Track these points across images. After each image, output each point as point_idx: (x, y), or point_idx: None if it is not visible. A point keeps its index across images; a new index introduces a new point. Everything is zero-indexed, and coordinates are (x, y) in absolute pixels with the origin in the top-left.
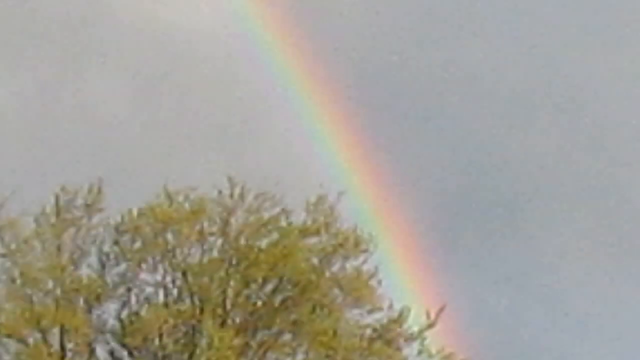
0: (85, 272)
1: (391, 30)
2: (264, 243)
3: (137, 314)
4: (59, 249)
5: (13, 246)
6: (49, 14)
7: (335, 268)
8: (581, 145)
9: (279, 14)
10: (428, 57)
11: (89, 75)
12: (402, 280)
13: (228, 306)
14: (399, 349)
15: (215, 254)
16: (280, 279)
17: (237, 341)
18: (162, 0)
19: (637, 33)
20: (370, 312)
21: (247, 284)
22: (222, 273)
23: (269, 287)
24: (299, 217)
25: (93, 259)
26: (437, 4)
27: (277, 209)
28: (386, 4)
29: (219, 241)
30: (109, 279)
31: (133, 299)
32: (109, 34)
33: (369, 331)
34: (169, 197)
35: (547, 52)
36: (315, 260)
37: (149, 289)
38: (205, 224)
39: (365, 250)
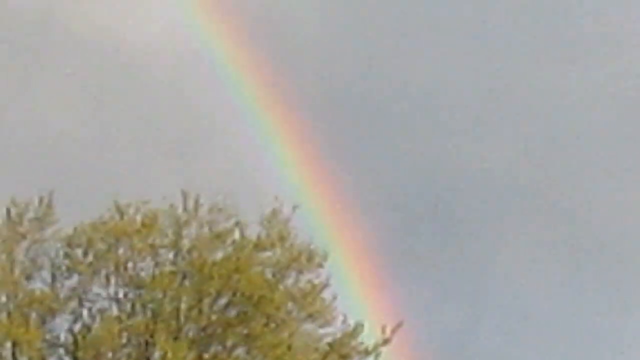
0: (38, 285)
1: (347, 45)
2: (217, 256)
3: (89, 328)
4: (11, 262)
5: None
6: None
7: (290, 282)
8: (533, 156)
9: (233, 28)
10: (382, 74)
11: (39, 87)
12: (357, 295)
13: (182, 320)
14: None
15: (168, 267)
16: (234, 293)
17: (190, 355)
18: (115, 13)
19: (588, 44)
20: (323, 326)
21: (200, 298)
22: (175, 286)
23: (223, 301)
24: (253, 231)
25: (46, 273)
26: (393, 19)
27: (231, 222)
28: (339, 16)
29: (172, 254)
30: (61, 293)
31: (85, 313)
32: (61, 45)
33: (323, 345)
34: (120, 210)
35: (499, 64)
36: (269, 274)
37: (102, 303)
38: (158, 237)
39: (319, 265)
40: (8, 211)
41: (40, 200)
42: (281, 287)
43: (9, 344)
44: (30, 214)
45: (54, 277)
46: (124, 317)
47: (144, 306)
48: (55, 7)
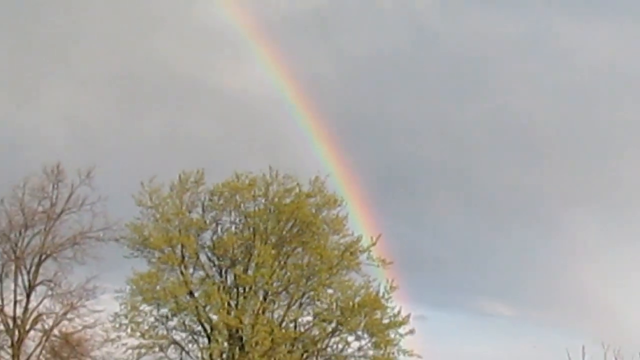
0: (195, 216)
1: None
2: (287, 201)
3: (221, 237)
4: (181, 203)
5: (157, 202)
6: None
7: (324, 214)
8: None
9: (294, 82)
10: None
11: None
12: (358, 220)
13: (268, 233)
14: (357, 256)
15: (261, 206)
16: (296, 219)
17: (272, 252)
18: (238, 74)
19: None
20: (342, 237)
21: (279, 221)
22: (265, 216)
23: (290, 224)
24: (306, 187)
25: (199, 209)
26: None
27: (294, 183)
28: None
29: (263, 200)
30: (207, 219)
31: (219, 230)
32: (203, 96)
33: (341, 247)
34: (237, 176)
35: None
36: (313, 210)
37: (227, 225)
38: (256, 191)
39: (339, 204)
40: (180, 177)
41: (197, 172)
42: (320, 217)
43: (179, 246)
44: (191, 178)
45: (203, 211)
46: (238, 231)
47: (249, 227)
48: (199, 74)
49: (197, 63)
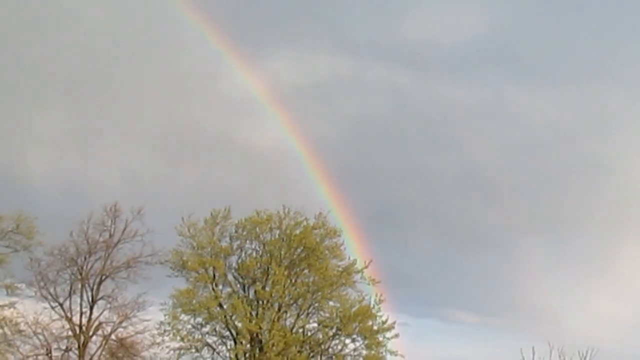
0: (224, 244)
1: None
2: (297, 232)
3: (244, 261)
4: (212, 234)
5: (194, 233)
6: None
7: (326, 242)
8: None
9: (304, 138)
10: (363, 164)
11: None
12: (354, 247)
13: (282, 258)
14: (352, 276)
15: (276, 236)
16: (304, 246)
17: (285, 272)
18: (261, 130)
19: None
20: (340, 261)
21: (290, 249)
22: (279, 244)
23: (299, 250)
24: (312, 221)
25: (227, 239)
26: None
27: (303, 218)
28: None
29: (278, 231)
30: (233, 246)
31: (243, 255)
32: (231, 151)
33: (340, 269)
34: (257, 212)
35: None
36: (317, 238)
37: (249, 251)
38: (272, 224)
39: (338, 235)
40: (211, 213)
41: (225, 209)
42: (323, 244)
43: (211, 268)
44: (220, 215)
45: (230, 240)
46: (258, 257)
47: (266, 252)
48: (229, 130)
49: (225, 124)
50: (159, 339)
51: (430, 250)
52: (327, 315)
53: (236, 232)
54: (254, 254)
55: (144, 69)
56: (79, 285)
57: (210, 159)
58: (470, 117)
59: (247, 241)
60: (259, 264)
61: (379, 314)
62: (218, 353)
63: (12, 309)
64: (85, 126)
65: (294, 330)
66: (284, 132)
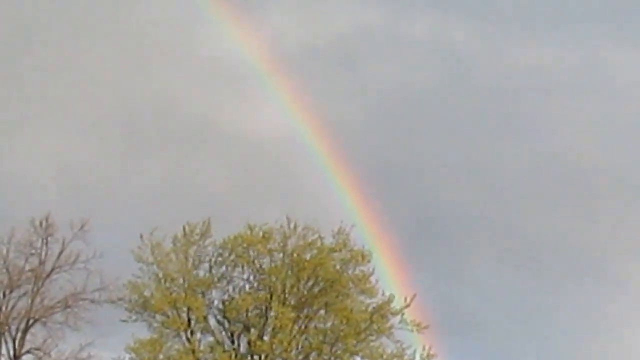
0: (202, 272)
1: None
2: (308, 256)
3: (233, 298)
4: (186, 259)
5: (159, 258)
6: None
7: (350, 271)
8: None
9: (312, 122)
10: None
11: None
12: (390, 277)
13: (287, 294)
14: (388, 320)
15: (278, 262)
16: (317, 278)
17: (292, 315)
18: (249, 117)
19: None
20: (370, 297)
21: (298, 280)
22: (283, 274)
23: (311, 283)
24: (328, 240)
25: (206, 265)
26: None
27: (315, 236)
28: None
29: (280, 254)
30: (215, 277)
31: (230, 289)
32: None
33: (370, 309)
34: (250, 228)
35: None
36: (338, 267)
37: (240, 283)
38: (272, 244)
39: (367, 261)
40: (184, 229)
41: (203, 223)
42: (345, 274)
43: (184, 308)
44: (197, 230)
45: (211, 267)
46: (253, 292)
47: (264, 286)
48: (211, 112)
49: (204, 103)
50: None
51: (499, 280)
52: None
53: (220, 255)
54: (247, 287)
55: (88, 24)
56: None
57: (184, 152)
58: (556, 89)
59: (236, 269)
60: (253, 303)
61: None
62: None
63: None
64: (5, 108)
65: None
66: (287, 113)
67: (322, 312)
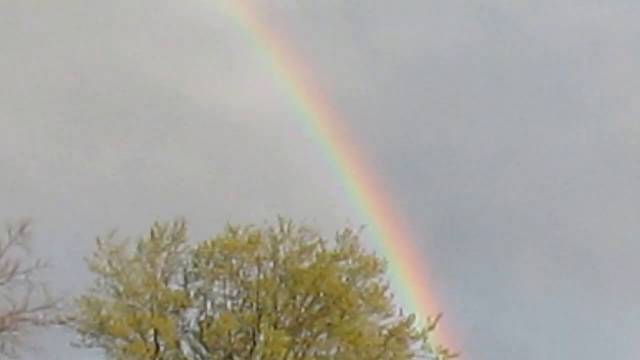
0: (174, 286)
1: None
2: (305, 265)
3: (212, 318)
4: (154, 269)
5: (119, 268)
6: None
7: (359, 284)
8: (536, 198)
9: (315, 99)
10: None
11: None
12: (409, 293)
13: (279, 313)
14: (407, 345)
15: (268, 273)
16: (318, 293)
17: (286, 339)
18: (228, 88)
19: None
20: (385, 317)
21: (293, 296)
22: (274, 288)
23: (310, 299)
24: (331, 245)
25: (179, 277)
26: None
27: (315, 240)
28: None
29: (271, 264)
30: (191, 292)
31: (209, 307)
32: (187, 114)
33: (384, 332)
34: (232, 230)
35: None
36: (344, 279)
37: (220, 300)
38: (261, 251)
39: (380, 270)
40: (152, 232)
41: (175, 224)
42: (353, 288)
43: (151, 331)
44: (168, 233)
45: (185, 280)
46: (237, 311)
47: (251, 303)
48: (183, 85)
49: (175, 72)
50: None
51: (547, 297)
52: None
53: (196, 265)
54: (229, 304)
55: None
56: None
57: (150, 134)
58: (625, 55)
59: (217, 282)
60: (238, 324)
61: None
62: None
63: None
64: None
65: None
66: (280, 85)
67: (323, 335)
